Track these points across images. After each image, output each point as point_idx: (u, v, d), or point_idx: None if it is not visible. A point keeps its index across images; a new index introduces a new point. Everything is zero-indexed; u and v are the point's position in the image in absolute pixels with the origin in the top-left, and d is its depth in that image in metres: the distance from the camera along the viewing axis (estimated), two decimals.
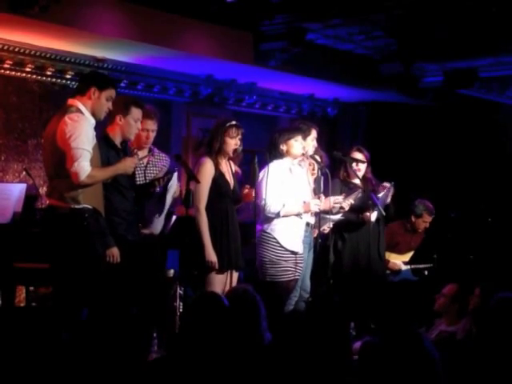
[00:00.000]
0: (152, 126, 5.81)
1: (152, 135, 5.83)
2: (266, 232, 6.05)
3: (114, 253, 5.03)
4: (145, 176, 5.80)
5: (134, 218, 5.43)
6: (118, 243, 5.06)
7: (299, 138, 6.13)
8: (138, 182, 5.74)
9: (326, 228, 6.46)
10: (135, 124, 5.39)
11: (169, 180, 5.69)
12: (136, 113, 5.39)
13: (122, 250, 5.11)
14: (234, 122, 5.86)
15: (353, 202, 6.51)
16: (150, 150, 5.95)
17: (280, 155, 6.11)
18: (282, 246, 6.01)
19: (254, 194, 5.93)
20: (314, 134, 6.48)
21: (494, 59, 8.85)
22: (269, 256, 6.01)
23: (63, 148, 4.76)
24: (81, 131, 4.76)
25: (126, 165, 5.10)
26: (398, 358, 3.72)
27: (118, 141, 5.38)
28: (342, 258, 6.89)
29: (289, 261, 6.02)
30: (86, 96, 4.92)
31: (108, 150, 5.25)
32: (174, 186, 5.81)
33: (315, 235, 6.36)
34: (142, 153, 5.89)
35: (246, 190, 5.98)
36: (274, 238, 6.02)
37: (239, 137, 5.83)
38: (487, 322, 4.26)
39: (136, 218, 5.49)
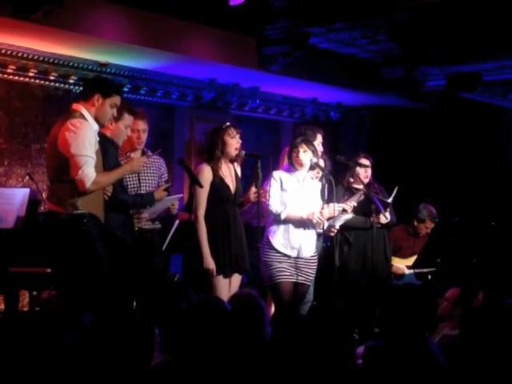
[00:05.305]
0: (142, 125, 5.80)
1: (143, 136, 5.82)
2: (266, 237, 6.06)
3: None
4: (139, 179, 5.78)
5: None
6: (112, 246, 5.10)
7: (303, 147, 6.09)
8: (132, 185, 5.73)
9: (334, 230, 6.44)
10: (125, 130, 5.44)
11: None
12: (128, 119, 5.42)
13: (117, 252, 5.15)
14: (229, 123, 5.92)
15: (355, 204, 6.48)
16: (144, 152, 5.94)
17: (293, 167, 6.11)
18: (273, 248, 6.00)
19: (261, 195, 5.88)
20: (319, 138, 6.47)
21: (497, 63, 8.85)
22: (263, 258, 6.02)
23: (65, 154, 4.76)
24: (83, 137, 4.75)
25: (133, 165, 5.14)
26: (403, 361, 3.71)
27: None
28: (348, 261, 6.84)
29: (283, 262, 5.99)
30: (90, 102, 4.90)
31: (109, 147, 5.27)
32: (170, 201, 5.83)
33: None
34: (135, 155, 5.88)
35: (254, 189, 5.91)
36: (268, 240, 6.03)
37: (238, 136, 5.86)
38: (496, 328, 4.24)
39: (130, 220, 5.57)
